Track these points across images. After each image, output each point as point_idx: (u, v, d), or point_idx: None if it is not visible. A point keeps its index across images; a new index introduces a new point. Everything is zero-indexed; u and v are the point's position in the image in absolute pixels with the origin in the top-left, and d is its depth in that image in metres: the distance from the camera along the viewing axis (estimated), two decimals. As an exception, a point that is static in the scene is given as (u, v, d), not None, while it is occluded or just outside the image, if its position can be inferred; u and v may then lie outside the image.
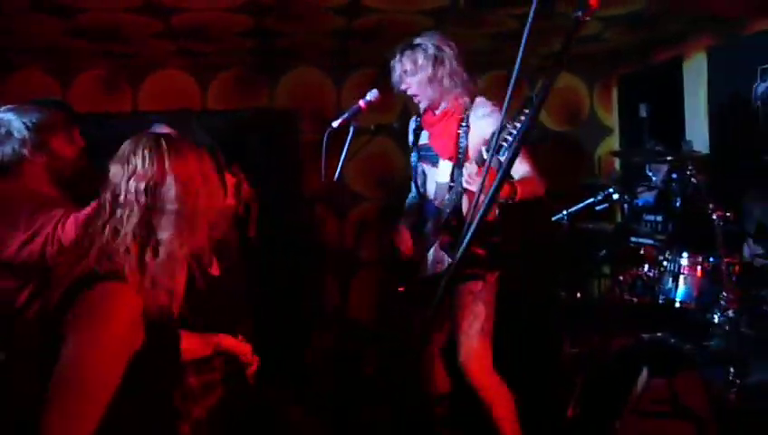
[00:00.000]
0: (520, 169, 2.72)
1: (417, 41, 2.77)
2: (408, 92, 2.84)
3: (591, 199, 3.93)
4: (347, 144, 2.87)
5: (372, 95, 2.85)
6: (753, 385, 2.58)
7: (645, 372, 2.89)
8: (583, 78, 6.16)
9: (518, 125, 2.22)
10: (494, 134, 2.47)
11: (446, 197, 2.79)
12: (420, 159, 3.01)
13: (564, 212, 3.95)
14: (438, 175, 2.87)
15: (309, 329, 4.81)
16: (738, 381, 2.58)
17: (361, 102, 2.88)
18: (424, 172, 3.01)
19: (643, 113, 5.39)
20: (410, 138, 3.12)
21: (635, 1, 3.92)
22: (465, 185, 2.59)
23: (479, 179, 2.47)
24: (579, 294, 3.90)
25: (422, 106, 2.88)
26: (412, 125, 3.11)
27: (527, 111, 2.18)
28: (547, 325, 4.37)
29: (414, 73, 2.75)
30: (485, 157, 2.45)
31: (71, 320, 1.49)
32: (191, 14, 3.88)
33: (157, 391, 1.66)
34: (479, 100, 2.79)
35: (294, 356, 4.06)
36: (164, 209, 1.57)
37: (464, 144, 2.73)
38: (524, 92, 5.08)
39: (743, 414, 2.55)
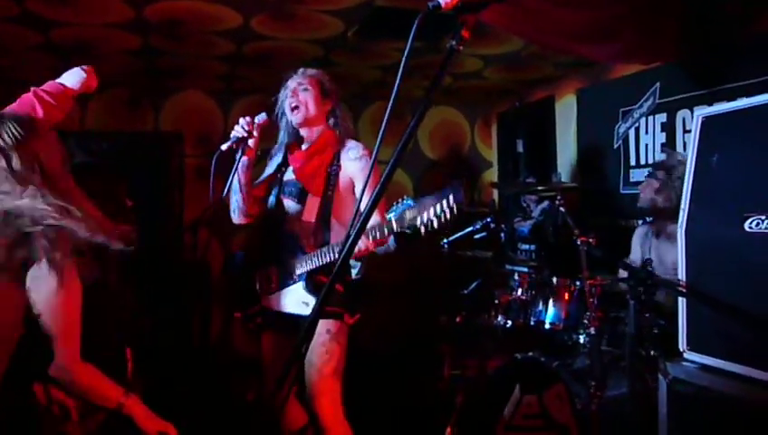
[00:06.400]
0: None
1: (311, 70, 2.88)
2: (292, 106, 2.79)
3: (470, 228, 4.10)
4: (234, 168, 2.81)
5: (260, 118, 2.80)
6: (610, 398, 2.80)
7: (517, 391, 3.05)
8: (465, 113, 6.48)
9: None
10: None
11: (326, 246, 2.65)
12: (283, 194, 2.89)
13: (445, 240, 4.09)
14: (305, 213, 2.79)
15: (195, 359, 4.69)
16: (599, 393, 2.79)
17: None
18: (285, 208, 2.88)
19: (519, 148, 5.74)
20: (269, 170, 2.99)
21: (511, 42, 4.20)
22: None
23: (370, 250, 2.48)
24: (458, 319, 4.04)
25: (296, 123, 2.82)
26: (278, 159, 2.98)
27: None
28: (429, 349, 4.51)
29: (306, 90, 2.79)
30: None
31: None
32: (73, 28, 3.78)
33: None
34: (351, 143, 2.82)
35: (183, 385, 3.95)
36: None
37: (333, 182, 2.77)
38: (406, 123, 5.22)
39: (602, 423, 2.76)
